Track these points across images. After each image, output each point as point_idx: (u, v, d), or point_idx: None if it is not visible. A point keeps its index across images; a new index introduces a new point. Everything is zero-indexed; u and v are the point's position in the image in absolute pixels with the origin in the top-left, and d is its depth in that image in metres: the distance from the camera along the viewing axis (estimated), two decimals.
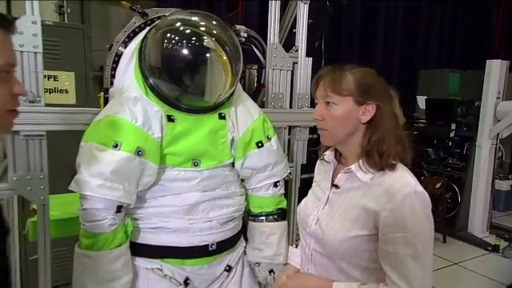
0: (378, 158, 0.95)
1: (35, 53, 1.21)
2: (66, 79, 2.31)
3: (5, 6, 2.58)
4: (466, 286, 3.03)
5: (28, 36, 1.18)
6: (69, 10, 2.84)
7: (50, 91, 2.22)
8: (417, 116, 4.42)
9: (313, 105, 1.72)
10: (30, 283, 2.04)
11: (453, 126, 4.05)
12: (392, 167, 0.94)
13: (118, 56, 1.32)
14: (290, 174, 1.71)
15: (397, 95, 1.02)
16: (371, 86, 0.97)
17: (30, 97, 1.20)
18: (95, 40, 3.14)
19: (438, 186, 3.72)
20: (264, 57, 1.70)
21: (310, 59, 1.70)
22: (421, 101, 4.37)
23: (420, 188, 0.92)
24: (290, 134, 1.72)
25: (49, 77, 2.20)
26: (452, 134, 4.07)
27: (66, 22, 2.85)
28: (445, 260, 3.44)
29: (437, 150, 4.24)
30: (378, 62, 4.69)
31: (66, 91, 2.31)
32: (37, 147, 1.25)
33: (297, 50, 1.68)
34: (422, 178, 3.96)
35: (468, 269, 3.30)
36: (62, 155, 1.47)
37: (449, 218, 3.95)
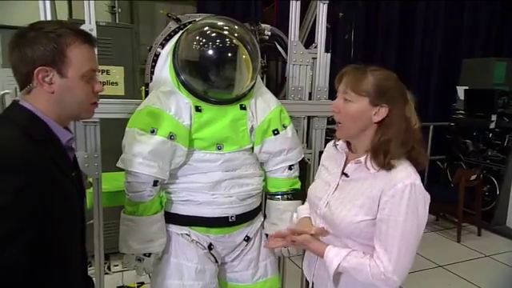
0: (382, 157, 1.05)
1: None
2: (117, 73, 2.62)
3: (67, 8, 2.94)
4: (495, 277, 3.02)
5: None
6: (120, 10, 3.14)
7: (103, 84, 2.53)
8: (456, 107, 4.33)
9: (331, 97, 1.88)
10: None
11: (493, 118, 3.94)
12: (391, 167, 1.04)
13: (157, 56, 1.54)
14: (308, 160, 1.90)
15: (413, 99, 1.09)
16: (387, 90, 1.05)
17: None
18: (143, 35, 3.45)
19: (473, 178, 3.67)
20: (286, 53, 1.87)
21: (329, 55, 1.83)
22: (460, 91, 4.28)
23: (419, 182, 1.03)
24: (309, 123, 1.89)
25: (102, 71, 2.51)
26: (492, 126, 3.97)
27: (118, 20, 3.16)
28: (476, 252, 3.44)
29: (476, 142, 4.15)
30: (417, 50, 4.61)
31: (117, 83, 2.62)
32: (92, 131, 1.51)
33: (316, 47, 1.83)
34: (457, 170, 3.92)
35: (500, 261, 3.28)
36: (109, 142, 1.75)
37: (486, 212, 3.88)
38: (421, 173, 1.10)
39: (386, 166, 1.04)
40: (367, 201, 1.06)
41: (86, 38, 0.94)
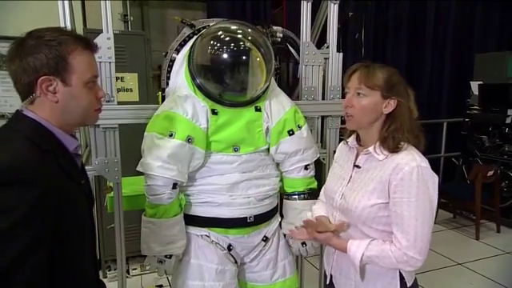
0: (391, 144, 1.14)
1: (110, 62, 1.51)
2: (131, 80, 2.68)
3: (81, 18, 3.00)
4: None
5: (104, 49, 1.47)
6: (132, 18, 3.20)
7: (118, 90, 2.60)
8: (470, 102, 4.27)
9: (344, 97, 1.88)
10: (106, 247, 2.47)
11: (509, 112, 3.88)
12: (399, 150, 1.14)
13: (172, 61, 1.57)
14: (323, 159, 1.90)
15: (413, 93, 1.20)
16: (395, 84, 1.16)
17: (106, 97, 1.50)
18: (154, 42, 3.50)
19: (490, 174, 3.62)
20: (298, 54, 1.88)
21: (341, 54, 1.84)
22: (474, 87, 4.22)
23: (424, 164, 1.11)
24: (323, 123, 1.90)
25: (117, 78, 2.57)
26: (508, 121, 3.90)
27: (130, 28, 3.22)
28: (496, 249, 3.38)
29: (492, 137, 4.09)
30: (428, 46, 4.54)
31: (131, 90, 2.67)
32: (112, 137, 1.55)
33: (328, 47, 1.84)
34: (474, 166, 3.86)
35: None
36: (129, 147, 1.79)
37: (505, 208, 3.82)
38: (435, 170, 1.13)
39: (395, 149, 1.13)
40: (378, 185, 1.13)
41: (86, 44, 0.93)
